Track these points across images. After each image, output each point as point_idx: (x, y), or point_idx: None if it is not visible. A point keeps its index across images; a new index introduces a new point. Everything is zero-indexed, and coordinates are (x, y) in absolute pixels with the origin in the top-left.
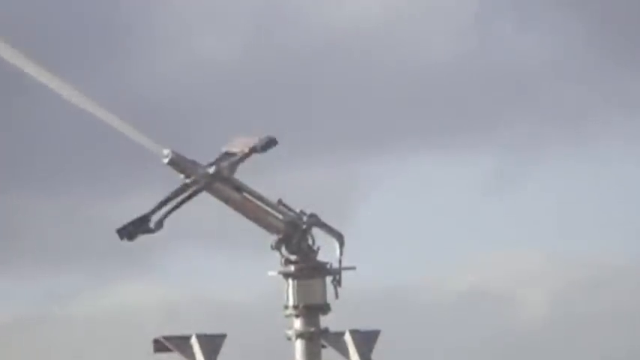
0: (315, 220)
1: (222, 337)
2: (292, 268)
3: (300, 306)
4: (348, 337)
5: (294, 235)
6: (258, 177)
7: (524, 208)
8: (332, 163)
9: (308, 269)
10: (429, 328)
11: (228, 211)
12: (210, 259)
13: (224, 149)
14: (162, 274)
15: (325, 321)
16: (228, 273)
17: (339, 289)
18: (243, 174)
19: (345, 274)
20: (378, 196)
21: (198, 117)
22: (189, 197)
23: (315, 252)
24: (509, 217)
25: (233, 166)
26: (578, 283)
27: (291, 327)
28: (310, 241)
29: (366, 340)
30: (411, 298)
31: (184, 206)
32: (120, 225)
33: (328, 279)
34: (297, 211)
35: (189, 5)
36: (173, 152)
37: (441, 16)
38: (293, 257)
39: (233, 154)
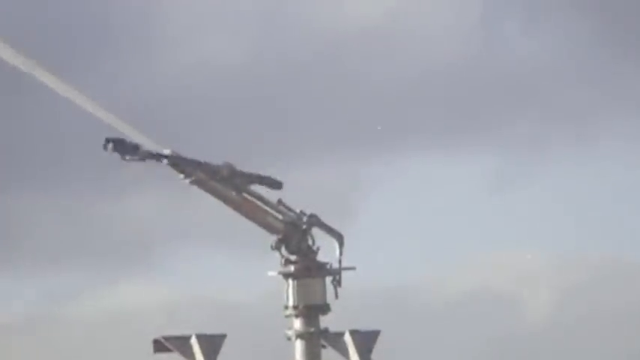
0: (315, 221)
1: (222, 337)
2: (292, 268)
3: (300, 306)
4: (347, 338)
5: (294, 235)
6: None
7: (525, 208)
8: (332, 163)
9: (308, 269)
10: (429, 328)
11: (229, 211)
12: (211, 260)
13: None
14: (163, 274)
15: (325, 321)
16: (228, 273)
17: (338, 289)
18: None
19: (345, 274)
20: (379, 196)
21: (199, 117)
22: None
23: (315, 252)
24: (510, 217)
25: (234, 172)
26: (579, 283)
27: (291, 327)
28: (310, 242)
29: (366, 340)
30: (411, 298)
31: (185, 207)
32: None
33: (328, 279)
34: (297, 211)
35: (190, 7)
36: (173, 152)
37: (446, 18)
38: (293, 257)
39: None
